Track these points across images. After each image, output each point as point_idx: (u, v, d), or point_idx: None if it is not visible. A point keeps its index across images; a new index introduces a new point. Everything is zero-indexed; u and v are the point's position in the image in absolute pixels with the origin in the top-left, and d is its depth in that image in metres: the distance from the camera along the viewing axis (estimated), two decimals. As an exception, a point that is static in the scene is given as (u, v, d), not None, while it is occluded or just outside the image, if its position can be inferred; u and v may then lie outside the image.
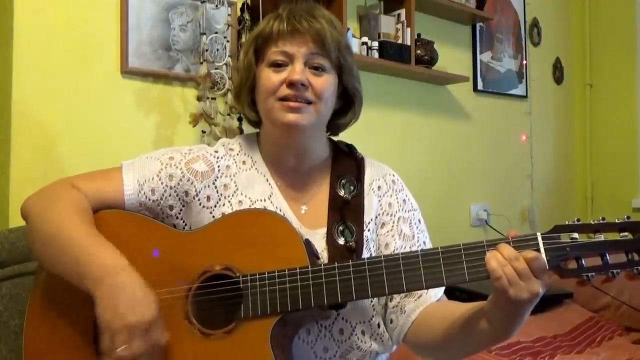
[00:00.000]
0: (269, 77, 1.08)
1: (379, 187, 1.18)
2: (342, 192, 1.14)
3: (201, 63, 1.81)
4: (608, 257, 0.91)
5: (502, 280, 0.87)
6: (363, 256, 1.09)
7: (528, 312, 0.91)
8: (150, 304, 0.94)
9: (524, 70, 3.15)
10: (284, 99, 1.06)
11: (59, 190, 1.08)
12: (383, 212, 1.16)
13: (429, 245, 1.17)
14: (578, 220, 0.94)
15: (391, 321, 1.10)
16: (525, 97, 3.15)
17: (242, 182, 1.14)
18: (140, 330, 0.92)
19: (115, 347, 0.91)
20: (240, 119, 1.88)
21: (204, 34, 1.84)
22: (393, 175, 1.22)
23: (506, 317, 0.91)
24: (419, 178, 2.58)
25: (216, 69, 1.85)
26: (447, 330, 1.01)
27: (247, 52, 1.14)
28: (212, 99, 1.83)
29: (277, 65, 1.08)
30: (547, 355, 1.98)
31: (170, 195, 1.12)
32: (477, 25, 2.87)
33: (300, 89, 1.06)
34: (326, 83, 1.09)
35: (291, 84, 1.06)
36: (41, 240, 1.03)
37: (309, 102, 1.07)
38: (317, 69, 1.08)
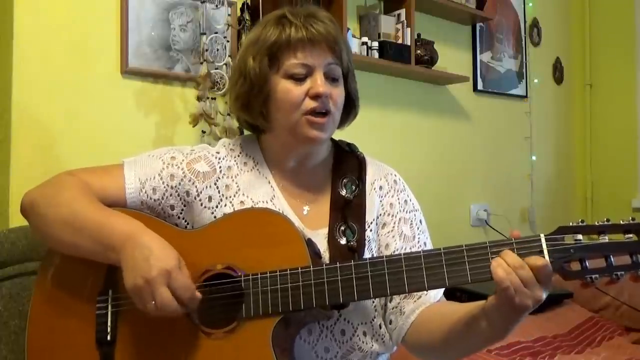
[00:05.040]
0: (291, 90, 1.07)
1: (380, 187, 1.18)
2: (343, 192, 1.14)
3: (201, 63, 1.81)
4: (612, 259, 0.90)
5: (509, 290, 0.87)
6: (364, 256, 1.09)
7: (526, 315, 0.92)
8: (169, 254, 0.96)
9: (524, 70, 3.14)
10: (309, 112, 1.07)
11: (62, 179, 1.09)
12: (384, 213, 1.16)
13: (429, 246, 1.17)
14: (582, 221, 0.93)
15: (390, 322, 1.10)
16: (525, 97, 3.15)
17: (244, 183, 1.13)
18: (162, 278, 0.93)
19: (145, 303, 0.93)
20: (240, 119, 1.88)
21: (204, 34, 1.84)
22: (395, 175, 1.22)
23: (507, 321, 0.92)
24: (419, 178, 2.58)
25: (216, 69, 1.85)
26: (446, 332, 1.01)
27: (259, 60, 1.09)
28: (212, 99, 1.83)
29: (297, 79, 1.08)
30: (547, 355, 1.98)
31: (171, 195, 1.12)
32: (477, 25, 2.87)
33: (324, 101, 1.07)
34: (342, 93, 1.12)
35: (317, 96, 1.06)
36: (56, 225, 1.03)
37: (329, 112, 1.09)
38: (334, 80, 1.10)
